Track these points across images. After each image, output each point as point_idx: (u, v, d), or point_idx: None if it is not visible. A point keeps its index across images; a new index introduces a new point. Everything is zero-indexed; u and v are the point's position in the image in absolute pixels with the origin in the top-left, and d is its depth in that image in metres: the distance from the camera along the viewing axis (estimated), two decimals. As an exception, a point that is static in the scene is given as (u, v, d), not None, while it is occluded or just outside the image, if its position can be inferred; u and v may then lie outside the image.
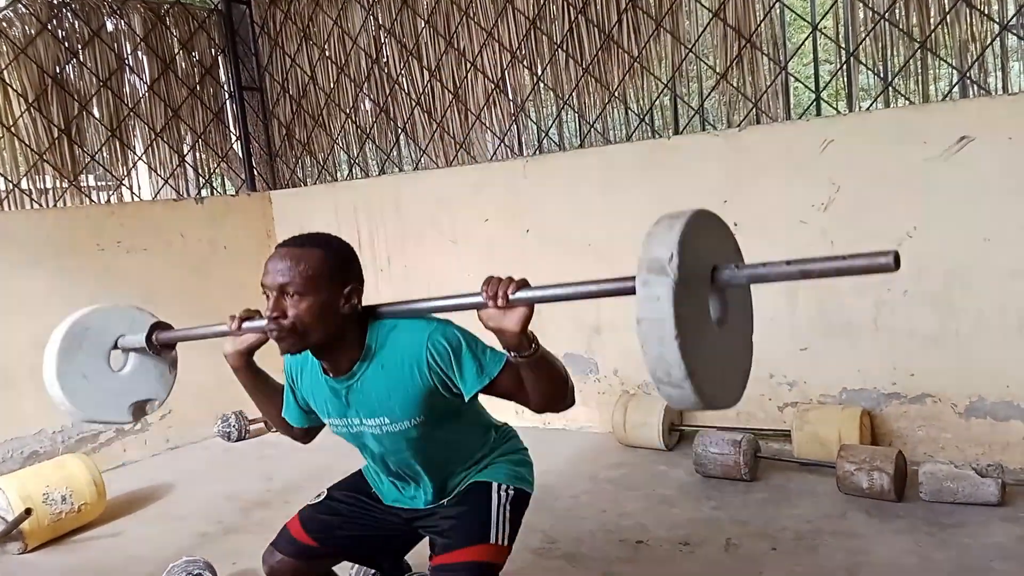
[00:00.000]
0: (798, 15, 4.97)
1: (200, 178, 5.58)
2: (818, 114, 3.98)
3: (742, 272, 1.47)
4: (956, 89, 3.70)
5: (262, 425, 5.09)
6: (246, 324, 1.89)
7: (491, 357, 1.76)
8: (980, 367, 3.40)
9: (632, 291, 1.39)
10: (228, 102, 5.73)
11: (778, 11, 4.09)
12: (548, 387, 1.73)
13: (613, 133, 4.60)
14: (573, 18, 4.48)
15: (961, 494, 3.02)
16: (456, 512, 1.98)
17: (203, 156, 5.60)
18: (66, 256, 4.44)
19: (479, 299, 1.61)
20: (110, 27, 5.09)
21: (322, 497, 2.16)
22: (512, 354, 1.65)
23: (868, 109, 3.80)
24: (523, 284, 1.58)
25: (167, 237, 4.89)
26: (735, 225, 3.55)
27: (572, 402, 1.79)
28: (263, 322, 1.80)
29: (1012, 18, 3.54)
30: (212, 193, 5.69)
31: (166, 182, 5.32)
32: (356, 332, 1.81)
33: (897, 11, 3.76)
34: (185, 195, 5.43)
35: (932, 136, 3.36)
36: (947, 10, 3.62)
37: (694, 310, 1.39)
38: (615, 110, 4.59)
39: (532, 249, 4.48)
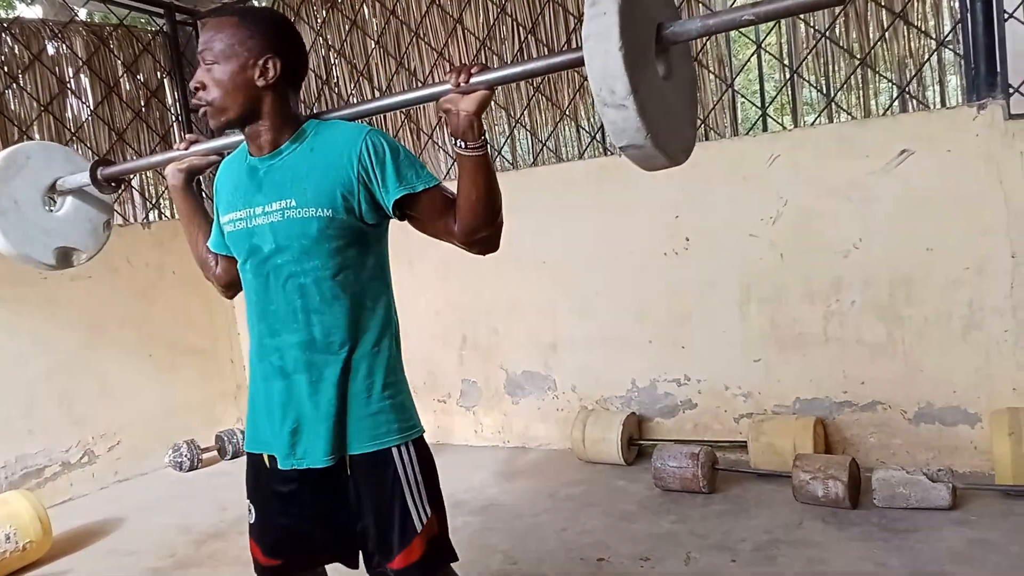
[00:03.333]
0: (742, 33, 5.06)
1: (147, 202, 5.47)
2: (764, 130, 4.06)
3: (692, 24, 1.49)
4: (896, 104, 3.81)
5: (215, 453, 4.99)
6: (194, 147, 1.95)
7: (422, 173, 1.71)
8: (927, 374, 3.48)
9: (581, 62, 1.43)
10: (175, 125, 5.63)
11: (723, 29, 4.17)
12: (483, 197, 1.66)
13: (565, 151, 4.64)
14: (523, 38, 4.51)
15: (913, 499, 3.08)
16: (368, 504, 1.77)
17: (150, 179, 5.50)
18: (7, 286, 4.30)
19: (442, 87, 1.66)
20: (51, 51, 4.98)
21: (252, 510, 1.92)
22: (459, 143, 1.63)
23: (812, 124, 3.89)
24: (484, 68, 1.64)
25: (113, 263, 4.76)
26: (687, 240, 3.62)
27: (498, 235, 1.76)
28: (210, 144, 1.83)
29: (948, 34, 3.67)
30: (160, 217, 5.58)
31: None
32: (284, 112, 1.74)
33: (838, 28, 3.86)
34: (131, 220, 5.31)
35: (874, 150, 3.45)
36: (886, 27, 3.74)
37: (639, 45, 1.40)
38: (567, 128, 4.63)
39: (487, 268, 4.45)
